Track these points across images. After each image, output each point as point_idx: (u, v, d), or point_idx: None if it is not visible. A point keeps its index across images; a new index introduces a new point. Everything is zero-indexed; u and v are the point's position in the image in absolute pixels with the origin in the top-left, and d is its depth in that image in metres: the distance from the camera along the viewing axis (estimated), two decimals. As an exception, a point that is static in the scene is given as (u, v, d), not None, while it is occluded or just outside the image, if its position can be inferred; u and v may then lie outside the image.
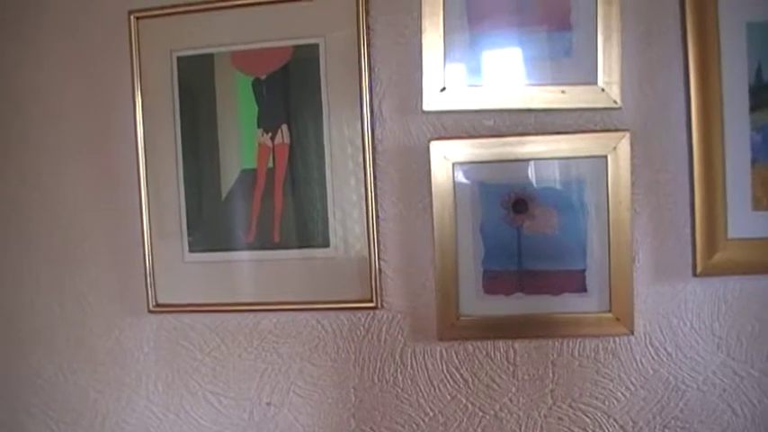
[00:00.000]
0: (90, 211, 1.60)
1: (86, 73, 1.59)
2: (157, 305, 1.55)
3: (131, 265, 1.58)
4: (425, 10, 1.40)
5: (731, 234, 1.38)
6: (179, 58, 1.51)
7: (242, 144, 1.49)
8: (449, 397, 1.48)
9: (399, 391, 1.49)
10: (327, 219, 1.47)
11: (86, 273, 1.62)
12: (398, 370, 1.49)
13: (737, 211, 1.38)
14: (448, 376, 1.48)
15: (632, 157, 1.37)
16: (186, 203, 1.52)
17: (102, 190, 1.59)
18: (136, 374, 1.61)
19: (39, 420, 1.67)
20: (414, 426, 1.49)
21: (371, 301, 1.45)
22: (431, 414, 1.49)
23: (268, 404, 1.54)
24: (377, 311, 1.48)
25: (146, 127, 1.53)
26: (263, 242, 1.50)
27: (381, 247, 1.47)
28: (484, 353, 1.46)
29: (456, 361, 1.47)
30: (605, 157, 1.38)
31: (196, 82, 1.51)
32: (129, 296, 1.59)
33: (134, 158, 1.54)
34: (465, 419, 1.48)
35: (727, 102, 1.37)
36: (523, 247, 1.41)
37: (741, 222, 1.38)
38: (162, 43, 1.51)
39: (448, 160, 1.41)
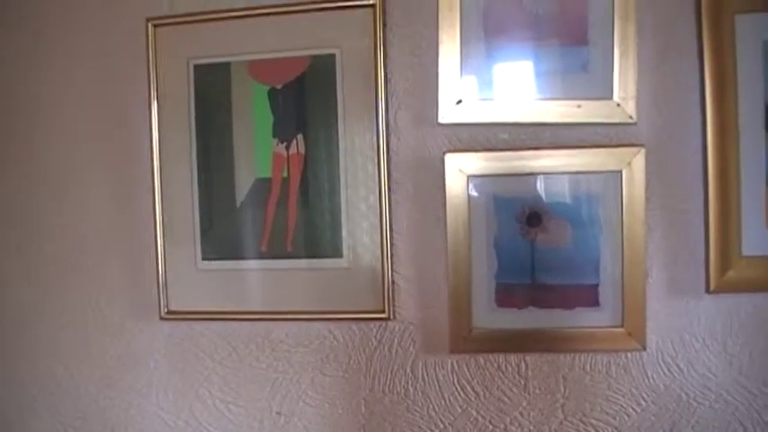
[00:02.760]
0: (104, 217, 1.61)
1: (104, 80, 1.60)
2: (169, 312, 1.55)
3: (144, 272, 1.58)
4: (442, 23, 1.41)
5: (745, 252, 1.38)
6: (196, 67, 1.52)
7: (257, 153, 1.49)
8: (459, 410, 1.48)
9: (410, 402, 1.49)
10: (341, 229, 1.47)
11: (99, 278, 1.62)
12: (409, 382, 1.49)
13: (752, 228, 1.38)
14: (459, 389, 1.47)
15: (647, 173, 1.37)
16: (200, 211, 1.53)
17: (117, 196, 1.60)
18: (146, 381, 1.61)
19: (48, 424, 1.67)
20: (424, 438, 1.49)
21: (383, 312, 1.45)
22: (441, 426, 1.48)
23: (278, 414, 1.54)
24: (389, 323, 1.48)
25: (161, 134, 1.53)
26: (276, 251, 1.50)
27: (394, 258, 1.47)
28: (495, 366, 1.46)
29: (467, 374, 1.47)
30: (620, 172, 1.38)
31: (212, 90, 1.51)
32: (141, 302, 1.59)
33: (149, 165, 1.54)
34: (475, 432, 1.48)
35: (742, 119, 1.37)
36: (537, 260, 1.41)
37: (755, 240, 1.38)
38: (179, 51, 1.52)
39: (463, 173, 1.41)
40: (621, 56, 1.37)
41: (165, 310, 1.55)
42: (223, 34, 1.50)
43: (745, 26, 1.37)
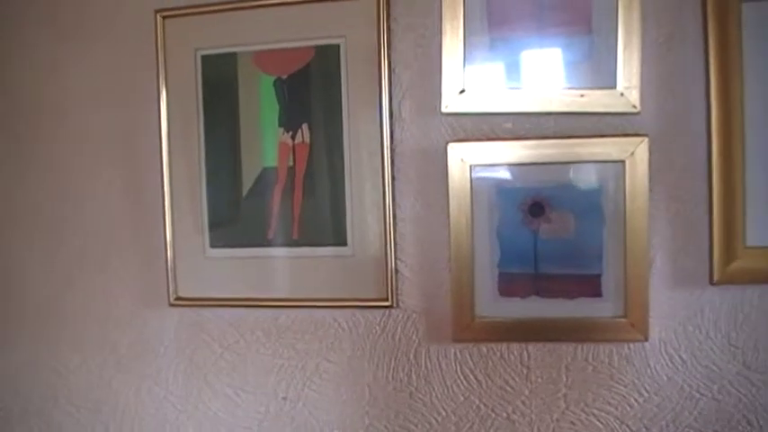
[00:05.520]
0: (115, 207, 1.64)
1: (112, 72, 1.63)
2: (178, 299, 1.58)
3: (154, 260, 1.61)
4: (446, 13, 1.41)
5: (750, 242, 1.37)
6: (203, 57, 1.54)
7: (263, 143, 1.51)
8: (462, 398, 1.49)
9: (413, 390, 1.51)
10: (345, 218, 1.48)
11: (111, 266, 1.65)
12: (413, 369, 1.50)
13: (757, 218, 1.37)
14: (461, 377, 1.48)
15: (650, 163, 1.36)
16: (208, 200, 1.55)
17: (127, 185, 1.63)
18: (156, 367, 1.64)
19: (63, 409, 1.71)
20: (426, 425, 1.50)
21: (387, 300, 1.47)
22: (443, 414, 1.50)
23: (284, 399, 1.57)
24: (392, 311, 1.50)
25: (170, 124, 1.56)
26: (283, 239, 1.52)
27: (398, 247, 1.48)
28: (498, 355, 1.47)
29: (470, 362, 1.48)
30: (623, 161, 1.37)
31: (219, 81, 1.53)
32: (151, 290, 1.62)
33: (158, 155, 1.57)
34: (477, 421, 1.48)
35: (748, 109, 1.36)
36: (539, 250, 1.42)
37: (760, 231, 1.37)
38: (187, 42, 1.54)
39: (465, 162, 1.41)
40: (625, 45, 1.37)
41: (175, 296, 1.58)
42: (229, 25, 1.52)
43: (752, 14, 1.35)
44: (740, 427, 1.40)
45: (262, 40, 1.51)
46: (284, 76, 1.50)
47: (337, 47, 1.47)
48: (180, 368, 1.63)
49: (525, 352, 1.46)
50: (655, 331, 1.41)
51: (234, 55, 1.52)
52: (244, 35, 1.52)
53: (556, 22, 1.41)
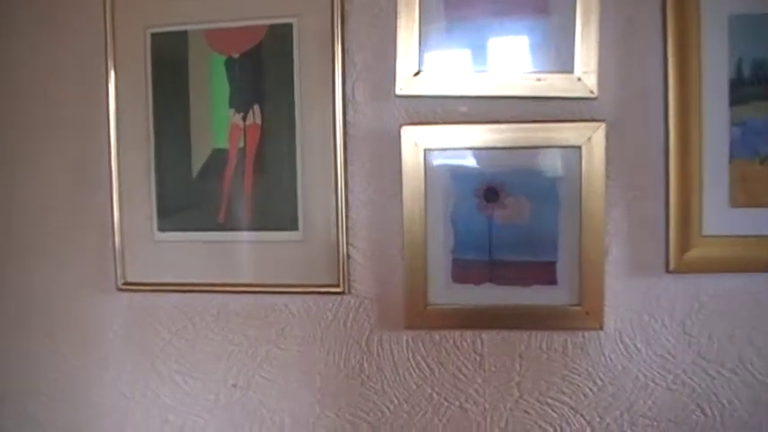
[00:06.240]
0: (61, 189, 1.59)
1: (59, 48, 1.57)
2: (126, 283, 1.54)
3: (102, 244, 1.57)
4: (401, -8, 1.38)
5: (706, 231, 1.35)
6: (153, 35, 1.49)
7: (214, 123, 1.47)
8: (414, 386, 1.46)
9: (365, 378, 1.48)
10: (297, 202, 1.45)
11: (58, 250, 1.61)
12: (364, 357, 1.48)
13: (714, 207, 1.35)
14: (414, 365, 1.46)
15: (607, 149, 1.34)
16: (156, 182, 1.51)
17: (73, 166, 1.58)
18: (104, 353, 1.60)
19: (34, 396, 1.66)
20: (378, 413, 1.48)
21: (338, 286, 1.44)
22: (396, 402, 1.47)
23: (234, 386, 1.53)
24: (344, 297, 1.46)
25: (118, 104, 1.51)
26: (233, 223, 1.48)
27: (350, 232, 1.45)
28: (451, 342, 1.44)
29: (423, 350, 1.45)
30: (579, 147, 1.35)
31: (170, 59, 1.49)
32: (99, 274, 1.58)
33: (105, 136, 1.52)
34: (430, 409, 1.46)
35: (706, 95, 1.34)
36: (494, 236, 1.39)
37: (717, 219, 1.35)
38: (136, 19, 1.49)
39: (419, 146, 1.38)
40: (583, 28, 1.34)
41: (123, 281, 1.54)
42: (181, 2, 1.48)
43: (711, 0, 1.33)
44: (694, 417, 1.39)
45: (214, 17, 1.47)
46: (236, 56, 1.46)
47: (290, 26, 1.43)
48: (128, 354, 1.59)
49: (479, 340, 1.43)
50: (610, 320, 1.39)
51: (184, 33, 1.48)
52: (195, 12, 1.47)
53: (514, 4, 1.38)
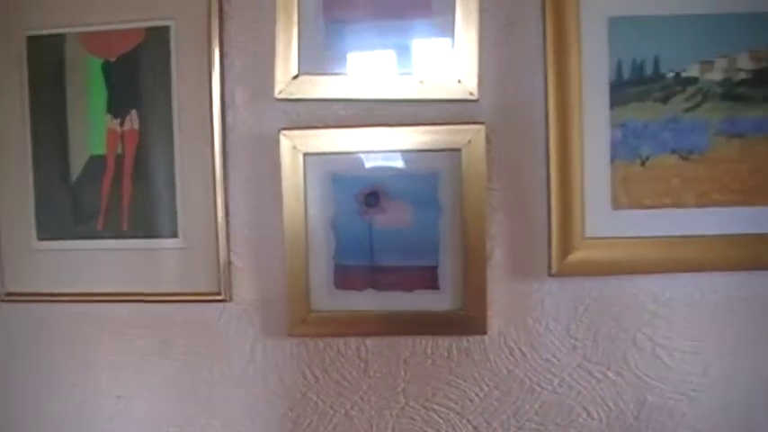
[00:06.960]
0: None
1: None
2: (8, 294, 1.49)
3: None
4: (279, -6, 1.35)
5: (589, 233, 1.34)
6: (29, 38, 1.45)
7: (91, 129, 1.43)
8: (299, 394, 1.44)
9: (250, 386, 1.45)
10: (176, 208, 1.41)
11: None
12: (249, 365, 1.45)
13: (596, 209, 1.35)
14: (298, 373, 1.43)
15: (488, 152, 1.33)
16: (35, 190, 1.46)
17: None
18: (-10, 366, 1.56)
19: None
20: (264, 423, 1.45)
21: (220, 294, 1.41)
22: (281, 411, 1.45)
23: (118, 398, 1.50)
24: (227, 305, 1.43)
25: (-7, 109, 1.47)
26: (113, 231, 1.44)
27: (231, 238, 1.42)
28: (335, 350, 1.42)
29: (306, 357, 1.43)
30: (459, 150, 1.33)
31: (46, 63, 1.45)
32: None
33: (-20, 142, 1.48)
34: (316, 417, 1.44)
35: (587, 97, 1.33)
36: (375, 241, 1.37)
37: (600, 221, 1.35)
38: (12, 21, 1.45)
39: (298, 150, 1.36)
40: (464, 30, 1.33)
41: (4, 292, 1.49)
42: (58, 3, 1.44)
43: (590, 2, 1.33)
44: (581, 420, 1.39)
45: (90, 20, 1.43)
46: (112, 59, 1.42)
47: (167, 29, 1.40)
48: (15, 367, 1.54)
49: (363, 346, 1.41)
50: (494, 324, 1.38)
51: (62, 36, 1.44)
52: (72, 15, 1.43)
53: (394, 5, 1.36)
